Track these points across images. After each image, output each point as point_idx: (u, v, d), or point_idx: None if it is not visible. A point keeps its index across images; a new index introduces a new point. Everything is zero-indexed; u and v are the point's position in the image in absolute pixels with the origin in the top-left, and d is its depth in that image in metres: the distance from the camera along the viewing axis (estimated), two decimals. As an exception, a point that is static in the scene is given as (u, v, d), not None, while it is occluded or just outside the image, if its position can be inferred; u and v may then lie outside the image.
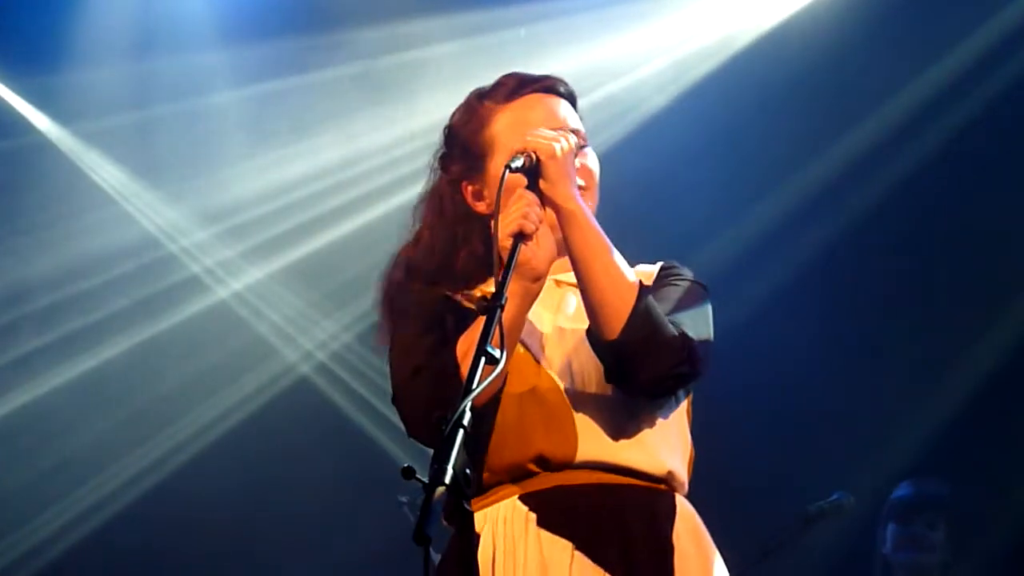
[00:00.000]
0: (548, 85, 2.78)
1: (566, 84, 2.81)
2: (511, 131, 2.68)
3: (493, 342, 2.10)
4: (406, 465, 1.92)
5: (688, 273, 2.74)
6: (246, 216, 7.11)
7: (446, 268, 2.69)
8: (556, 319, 2.64)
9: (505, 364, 2.08)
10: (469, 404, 1.97)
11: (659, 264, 2.77)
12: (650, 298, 2.50)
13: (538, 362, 2.59)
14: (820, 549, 5.36)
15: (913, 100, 6.02)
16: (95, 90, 6.87)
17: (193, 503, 6.89)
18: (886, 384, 5.98)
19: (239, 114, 6.96)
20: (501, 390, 2.51)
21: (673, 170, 6.21)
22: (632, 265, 2.62)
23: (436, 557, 4.26)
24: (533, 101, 2.74)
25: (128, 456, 6.98)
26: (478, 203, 2.71)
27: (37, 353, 6.97)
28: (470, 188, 2.72)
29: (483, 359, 2.07)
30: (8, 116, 6.99)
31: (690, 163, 6.20)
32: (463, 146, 2.74)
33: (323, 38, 6.79)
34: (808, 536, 4.98)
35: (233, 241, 7.20)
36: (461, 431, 1.95)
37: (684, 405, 2.69)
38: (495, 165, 2.67)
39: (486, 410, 2.48)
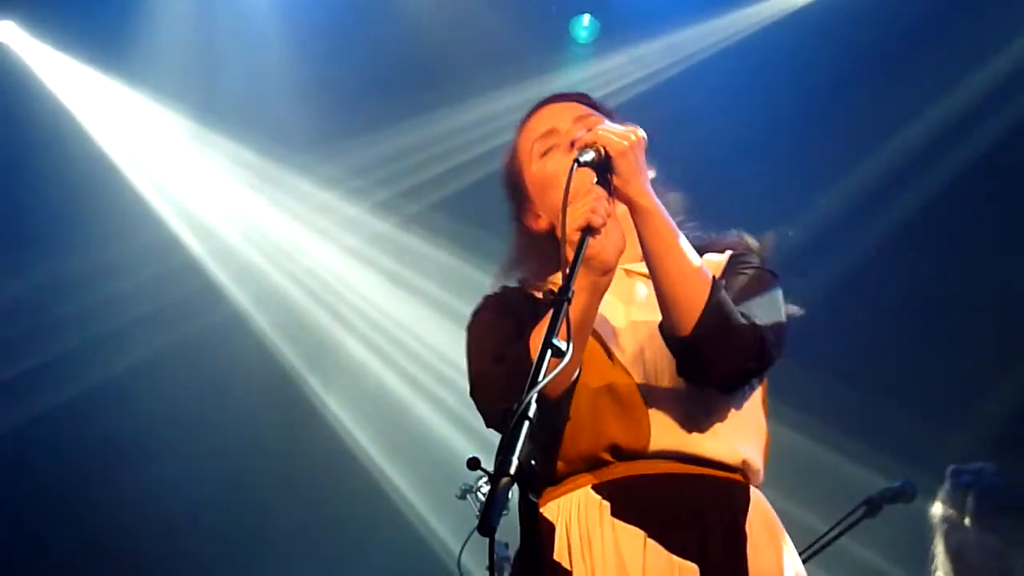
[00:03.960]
0: (555, 95, 2.89)
1: (577, 93, 2.89)
2: (523, 143, 2.82)
3: (560, 335, 2.10)
4: (471, 456, 1.93)
5: (757, 260, 2.74)
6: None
7: (518, 268, 2.81)
8: (628, 310, 2.65)
9: (572, 356, 2.08)
10: (535, 396, 1.97)
11: (728, 253, 2.78)
12: (723, 293, 2.50)
13: (611, 353, 2.61)
14: (886, 536, 5.33)
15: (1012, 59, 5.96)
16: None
17: (246, 487, 6.95)
18: (955, 369, 5.95)
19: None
20: (575, 382, 2.52)
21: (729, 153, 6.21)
22: (700, 254, 2.63)
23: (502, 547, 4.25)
24: (538, 112, 2.86)
25: (176, 448, 7.00)
26: (537, 223, 2.80)
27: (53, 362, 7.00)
28: (528, 216, 2.82)
29: (549, 352, 2.08)
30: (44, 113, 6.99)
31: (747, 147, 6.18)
32: (510, 184, 2.86)
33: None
34: (874, 522, 4.95)
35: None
36: (527, 423, 1.96)
37: (759, 392, 2.70)
38: (530, 175, 2.79)
39: (560, 402, 2.50)
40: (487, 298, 2.80)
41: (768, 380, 2.74)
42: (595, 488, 2.55)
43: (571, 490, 2.56)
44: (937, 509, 5.00)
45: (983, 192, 6.09)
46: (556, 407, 2.49)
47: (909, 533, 5.54)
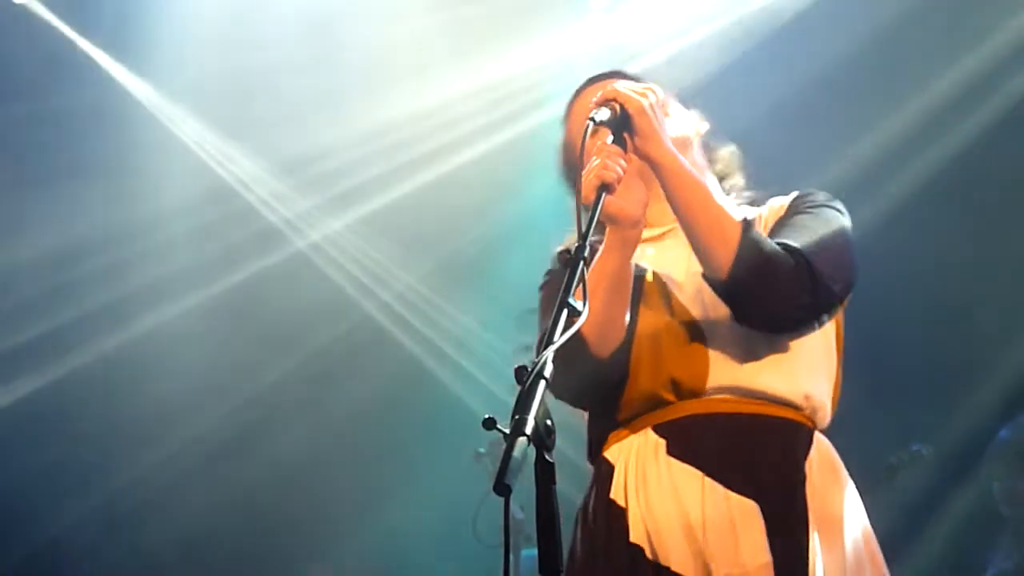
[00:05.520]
0: (592, 78, 2.88)
1: (614, 72, 2.87)
2: (571, 129, 2.83)
3: (576, 295, 2.09)
4: (487, 416, 1.93)
5: (821, 197, 2.71)
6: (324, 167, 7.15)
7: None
8: (690, 263, 2.62)
9: (586, 316, 2.06)
10: (551, 356, 1.96)
11: (793, 194, 2.76)
12: (756, 232, 2.48)
13: (671, 297, 2.62)
14: (902, 499, 5.33)
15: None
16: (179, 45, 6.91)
17: (269, 453, 6.98)
18: (968, 330, 5.93)
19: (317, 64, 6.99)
20: (631, 339, 2.54)
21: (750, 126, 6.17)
22: (764, 201, 2.67)
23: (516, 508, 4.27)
24: (581, 96, 2.86)
25: (207, 407, 7.06)
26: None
27: (114, 304, 7.05)
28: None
29: (565, 311, 2.06)
30: (88, 69, 7.05)
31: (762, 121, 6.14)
32: (568, 172, 2.85)
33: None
34: (890, 486, 4.95)
35: (311, 192, 7.25)
36: (542, 382, 1.94)
37: (832, 328, 2.67)
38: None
39: (614, 360, 2.52)
40: (547, 273, 2.82)
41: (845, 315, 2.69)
42: (655, 429, 2.56)
43: (632, 432, 2.59)
44: (993, 467, 5.03)
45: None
46: (614, 363, 2.52)
47: (924, 498, 5.57)
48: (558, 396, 2.54)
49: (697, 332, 2.57)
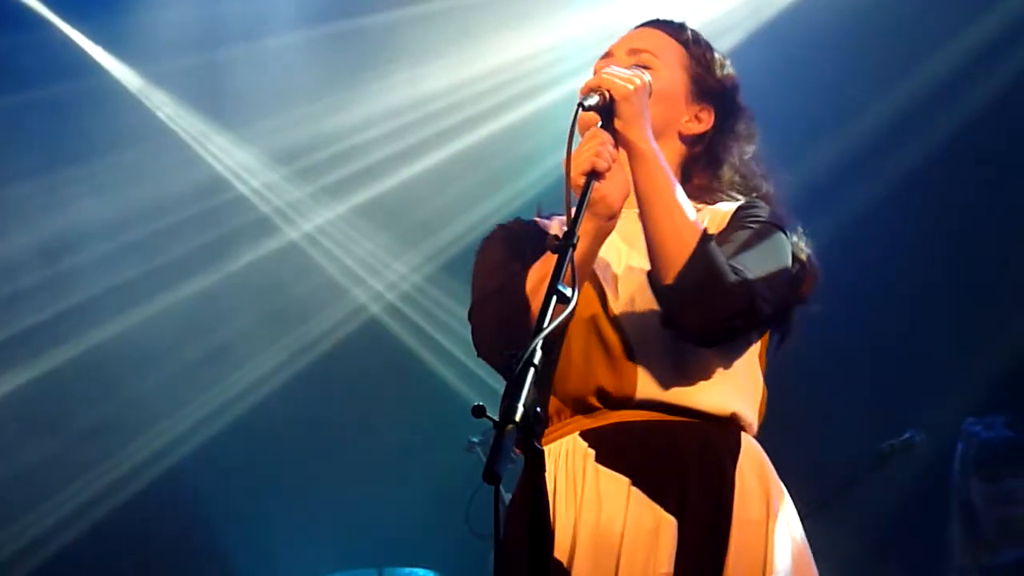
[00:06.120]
0: (647, 21, 2.86)
1: (667, 22, 2.85)
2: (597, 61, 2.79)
3: (565, 280, 2.09)
4: (476, 404, 1.92)
5: (764, 213, 2.67)
6: (317, 157, 7.15)
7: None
8: (630, 254, 2.62)
9: (576, 302, 2.07)
10: (540, 343, 1.96)
11: (737, 204, 2.72)
12: (712, 245, 2.45)
13: (605, 298, 2.59)
14: (893, 486, 5.34)
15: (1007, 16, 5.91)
16: (163, 31, 6.90)
17: (261, 440, 6.98)
18: (958, 319, 5.93)
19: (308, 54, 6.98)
20: (567, 324, 2.51)
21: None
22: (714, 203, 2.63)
23: (507, 496, 4.25)
24: (623, 36, 2.84)
25: (197, 398, 7.06)
26: None
27: (103, 296, 7.04)
28: None
29: (555, 298, 2.06)
30: (76, 57, 7.03)
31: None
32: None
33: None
34: (881, 474, 4.96)
35: (303, 182, 7.24)
36: (532, 369, 1.94)
37: (756, 347, 2.66)
38: None
39: (551, 345, 2.48)
40: (498, 227, 2.80)
41: (772, 336, 2.70)
42: (582, 434, 2.55)
43: (562, 435, 2.57)
44: (956, 461, 5.03)
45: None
46: (546, 350, 2.47)
47: (915, 485, 5.57)
48: (485, 357, 2.56)
49: (627, 341, 2.55)
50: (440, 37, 6.82)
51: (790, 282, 2.61)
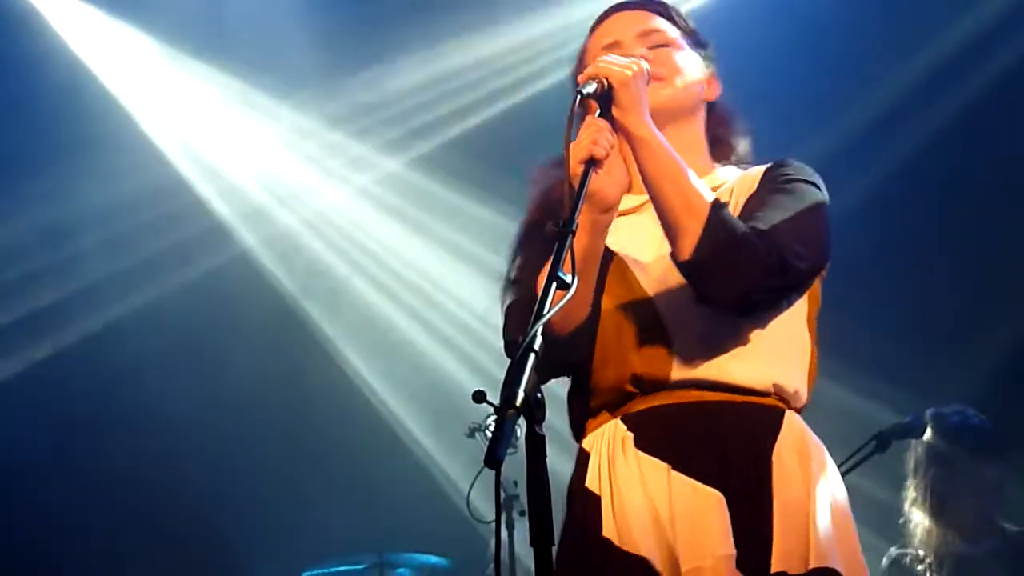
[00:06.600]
0: (622, 3, 2.82)
1: (652, 0, 2.83)
2: (589, 53, 2.76)
3: (565, 268, 2.09)
4: (477, 389, 1.93)
5: (795, 170, 2.66)
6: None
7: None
8: (661, 244, 2.58)
9: (577, 293, 2.07)
10: (540, 329, 1.97)
11: (765, 166, 2.72)
12: (725, 212, 2.45)
13: (636, 283, 2.60)
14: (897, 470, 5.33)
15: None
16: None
17: (262, 427, 6.98)
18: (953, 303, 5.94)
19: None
20: (591, 319, 2.53)
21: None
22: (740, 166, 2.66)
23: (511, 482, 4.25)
24: (607, 20, 2.80)
25: (200, 385, 7.05)
26: None
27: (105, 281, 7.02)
28: None
29: (554, 285, 2.06)
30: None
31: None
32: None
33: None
34: (883, 457, 4.94)
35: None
36: (532, 355, 1.95)
37: (802, 309, 2.63)
38: None
39: (576, 338, 2.51)
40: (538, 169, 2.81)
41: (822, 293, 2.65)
42: (623, 419, 2.56)
43: (603, 422, 2.59)
44: (921, 449, 4.99)
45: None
46: (573, 344, 2.50)
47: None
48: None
49: (661, 323, 2.55)
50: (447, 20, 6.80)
51: (825, 236, 2.58)
